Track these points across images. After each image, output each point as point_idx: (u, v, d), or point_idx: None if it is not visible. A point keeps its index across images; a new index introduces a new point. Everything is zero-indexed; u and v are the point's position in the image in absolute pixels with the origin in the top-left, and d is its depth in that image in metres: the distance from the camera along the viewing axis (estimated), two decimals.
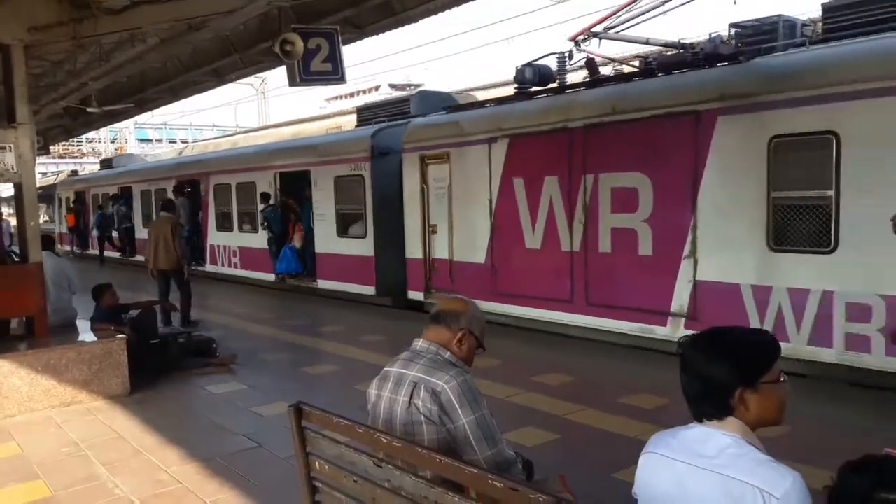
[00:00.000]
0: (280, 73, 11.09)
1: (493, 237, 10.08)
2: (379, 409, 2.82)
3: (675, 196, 7.91)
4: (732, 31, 8.52)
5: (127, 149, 48.35)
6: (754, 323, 7.16)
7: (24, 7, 7.58)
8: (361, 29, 10.12)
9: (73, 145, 47.65)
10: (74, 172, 31.17)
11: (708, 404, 2.09)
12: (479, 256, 10.36)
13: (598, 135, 8.68)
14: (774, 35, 7.94)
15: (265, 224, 15.01)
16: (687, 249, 7.84)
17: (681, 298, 7.88)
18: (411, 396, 2.69)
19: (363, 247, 12.50)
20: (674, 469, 2.10)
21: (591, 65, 9.79)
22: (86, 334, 7.91)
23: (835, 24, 7.38)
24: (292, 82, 8.31)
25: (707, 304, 7.67)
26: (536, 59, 10.43)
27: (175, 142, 48.96)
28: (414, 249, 11.49)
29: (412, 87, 12.52)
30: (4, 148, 7.32)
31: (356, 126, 14.44)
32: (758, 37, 8.01)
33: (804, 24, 8.21)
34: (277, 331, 10.67)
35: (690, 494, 2.04)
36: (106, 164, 27.20)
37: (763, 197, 7.11)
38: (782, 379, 2.10)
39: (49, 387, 6.89)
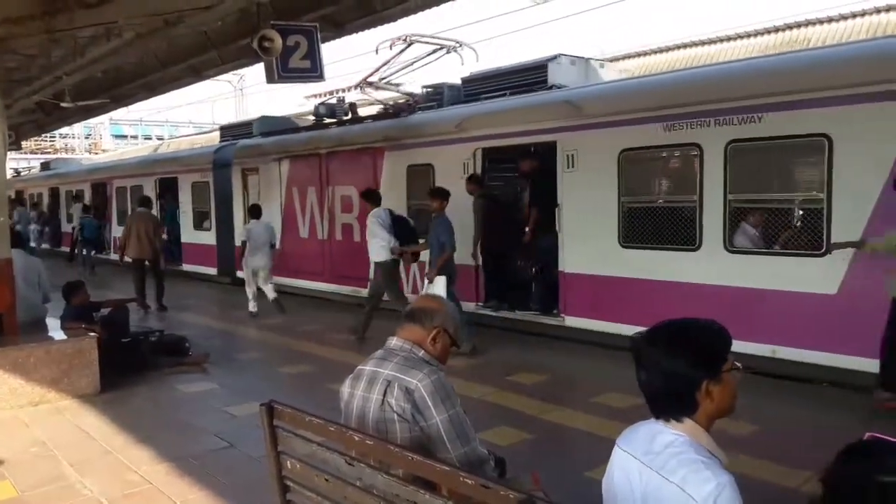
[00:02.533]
0: (259, 69, 10.99)
1: (283, 230, 13.47)
2: (352, 408, 2.80)
3: None
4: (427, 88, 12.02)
5: (102, 145, 47.79)
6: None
7: None
8: (341, 27, 9.96)
9: (46, 141, 46.45)
10: (46, 166, 30.86)
11: (675, 400, 2.05)
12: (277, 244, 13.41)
13: (333, 159, 12.50)
14: (441, 96, 11.44)
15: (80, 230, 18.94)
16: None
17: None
18: (385, 395, 2.66)
19: (209, 237, 16.15)
20: (627, 463, 2.10)
21: (352, 108, 13.61)
22: (56, 332, 7.65)
23: (471, 90, 10.94)
24: (270, 79, 8.23)
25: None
26: (329, 98, 14.34)
27: (150, 138, 47.75)
28: (238, 239, 13.85)
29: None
30: None
31: (219, 142, 17.91)
32: (435, 97, 11.58)
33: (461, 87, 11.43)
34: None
35: (635, 490, 2.05)
36: (45, 166, 30.23)
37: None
38: (737, 366, 2.07)
39: (16, 385, 6.69)
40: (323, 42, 8.60)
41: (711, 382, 2.00)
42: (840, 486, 1.71)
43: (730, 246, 7.11)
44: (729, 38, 17.20)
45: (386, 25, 10.54)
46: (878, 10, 14.77)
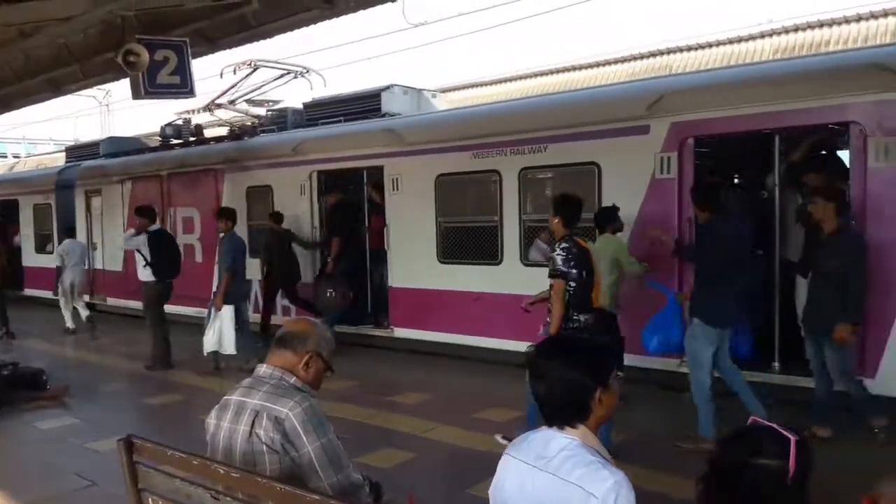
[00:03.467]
0: (126, 84, 10.32)
1: (125, 252, 13.01)
2: (218, 440, 2.70)
3: (211, 222, 10.71)
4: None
5: None
6: None
7: None
8: (214, 42, 9.61)
9: None
10: None
11: (572, 407, 2.19)
12: (119, 265, 13.90)
13: (174, 180, 12.85)
14: (285, 119, 12.10)
15: None
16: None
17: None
18: (252, 426, 2.58)
19: (50, 260, 15.09)
20: (519, 469, 2.20)
21: (198, 129, 13.78)
22: None
23: (312, 115, 11.65)
24: (136, 95, 8.06)
25: None
26: (177, 119, 14.13)
27: (6, 156, 43.81)
28: (55, 260, 14.11)
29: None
30: None
31: (65, 162, 17.47)
32: (279, 120, 12.18)
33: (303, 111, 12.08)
34: None
35: (528, 494, 2.14)
36: None
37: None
38: (619, 374, 2.39)
39: None
40: (195, 57, 8.46)
41: (602, 390, 2.19)
42: (720, 466, 1.89)
43: (525, 260, 8.15)
44: (575, 69, 18.09)
45: (241, 48, 10.20)
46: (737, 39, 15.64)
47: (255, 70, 12.01)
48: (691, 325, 5.78)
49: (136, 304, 12.15)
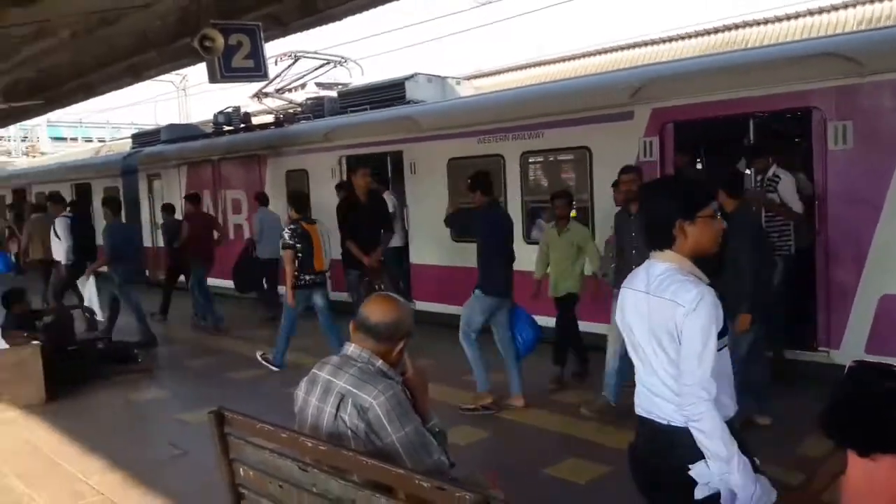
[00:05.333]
0: (201, 69, 10.85)
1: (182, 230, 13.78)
2: (306, 414, 2.71)
3: (255, 205, 11.78)
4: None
5: (40, 148, 46.13)
6: None
7: None
8: (285, 25, 9.84)
9: None
10: None
11: (656, 233, 2.52)
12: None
13: (224, 165, 13.89)
14: (322, 107, 13.00)
15: None
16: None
17: None
18: (338, 409, 2.56)
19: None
20: (636, 298, 2.55)
21: (246, 117, 14.83)
22: None
23: (345, 103, 12.53)
24: (213, 79, 8.25)
25: None
26: (227, 108, 15.20)
27: (91, 140, 45.27)
28: (146, 239, 15.77)
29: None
30: None
31: (130, 148, 19.11)
32: (317, 108, 13.13)
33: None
34: None
35: (644, 316, 2.49)
36: None
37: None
38: (717, 216, 2.53)
39: None
40: (267, 41, 8.67)
41: (686, 222, 2.45)
42: (847, 394, 1.60)
43: (527, 238, 8.74)
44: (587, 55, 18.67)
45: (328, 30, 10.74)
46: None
47: (296, 61, 12.77)
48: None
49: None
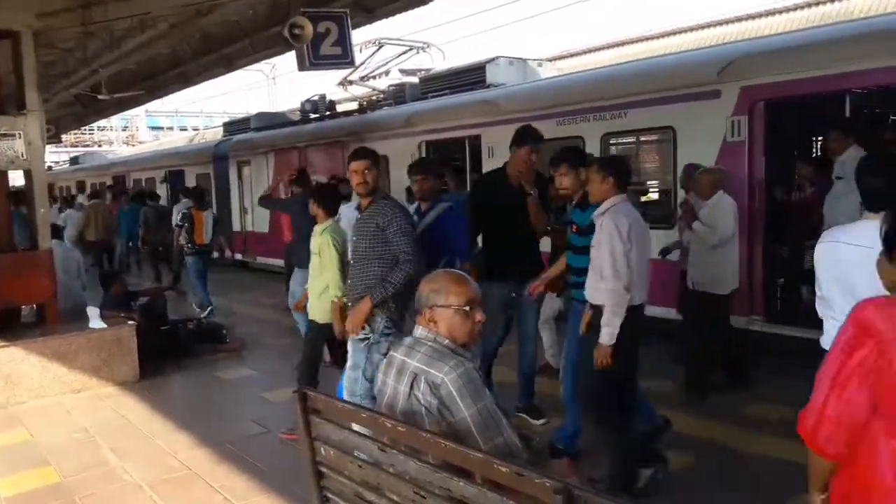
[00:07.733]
0: (290, 58, 10.77)
1: (271, 216, 13.93)
2: (384, 395, 2.76)
3: None
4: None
5: (138, 137, 48.56)
6: None
7: None
8: (371, 12, 9.91)
9: (86, 133, 46.46)
10: (75, 160, 32.23)
11: (870, 196, 2.76)
12: (264, 227, 15.15)
13: (310, 152, 14.09)
14: (404, 93, 12.85)
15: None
16: None
17: None
18: (412, 387, 2.59)
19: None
20: (863, 254, 2.53)
21: (331, 104, 15.00)
22: (95, 321, 7.60)
23: (426, 88, 12.41)
24: (301, 67, 8.22)
25: None
26: (314, 96, 15.50)
27: (186, 129, 46.96)
28: (235, 223, 16.75)
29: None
30: (14, 135, 7.13)
31: (222, 135, 19.64)
32: (399, 94, 12.98)
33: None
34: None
35: (868, 270, 2.37)
36: (74, 160, 32.73)
37: None
38: None
39: (60, 374, 6.84)
40: (354, 28, 8.61)
41: None
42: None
43: None
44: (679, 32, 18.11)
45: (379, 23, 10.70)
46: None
47: (380, 48, 12.86)
48: None
49: (279, 262, 13.31)
